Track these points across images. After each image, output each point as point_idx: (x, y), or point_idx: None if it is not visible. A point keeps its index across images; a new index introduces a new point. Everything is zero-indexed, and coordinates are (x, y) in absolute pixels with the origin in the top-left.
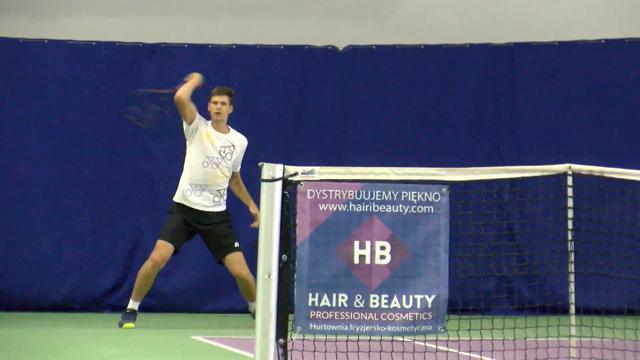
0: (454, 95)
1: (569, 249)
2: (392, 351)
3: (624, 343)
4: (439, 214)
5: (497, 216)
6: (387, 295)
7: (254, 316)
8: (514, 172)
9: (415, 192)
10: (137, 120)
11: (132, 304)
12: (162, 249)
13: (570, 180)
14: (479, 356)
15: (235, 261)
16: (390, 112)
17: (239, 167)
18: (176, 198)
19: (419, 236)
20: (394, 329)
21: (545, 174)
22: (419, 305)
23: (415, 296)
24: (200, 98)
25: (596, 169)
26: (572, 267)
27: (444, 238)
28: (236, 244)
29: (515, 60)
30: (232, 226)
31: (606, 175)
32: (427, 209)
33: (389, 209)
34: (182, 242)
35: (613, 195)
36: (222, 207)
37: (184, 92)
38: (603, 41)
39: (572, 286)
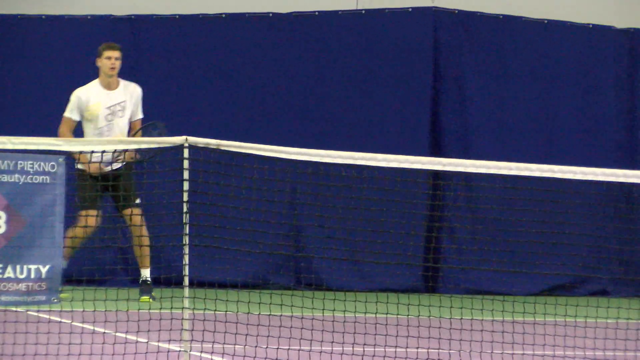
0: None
1: (184, 221)
2: (4, 321)
3: (237, 316)
4: (55, 185)
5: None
6: (1, 265)
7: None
8: (132, 144)
9: (32, 162)
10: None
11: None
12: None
13: (186, 153)
14: (92, 327)
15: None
16: None
17: (138, 116)
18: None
19: (36, 206)
20: (7, 299)
21: (162, 145)
22: (33, 276)
23: (30, 266)
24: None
25: (212, 142)
26: (187, 240)
27: (59, 208)
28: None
29: (140, 36)
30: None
31: (222, 147)
32: (43, 179)
33: (5, 179)
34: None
35: (230, 168)
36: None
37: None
38: (224, 15)
39: (186, 258)
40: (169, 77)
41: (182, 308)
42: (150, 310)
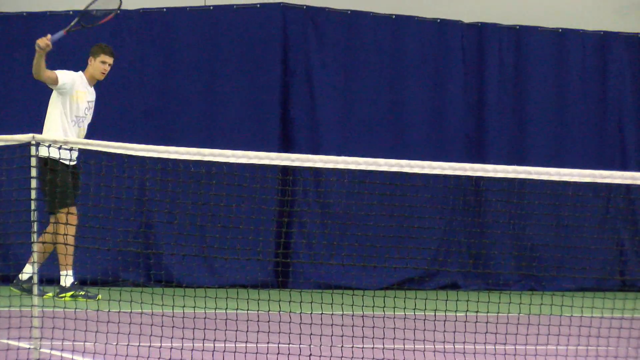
0: None
1: (33, 219)
2: None
3: (86, 313)
4: None
5: None
6: None
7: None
8: None
9: None
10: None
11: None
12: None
13: (34, 150)
14: None
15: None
16: None
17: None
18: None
19: None
20: None
21: (9, 143)
22: None
23: None
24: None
25: (60, 139)
26: (35, 238)
27: None
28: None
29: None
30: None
31: (70, 145)
32: None
33: None
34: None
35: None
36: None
37: (35, 71)
38: (70, 12)
39: (35, 256)
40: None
41: (32, 306)
42: (0, 309)
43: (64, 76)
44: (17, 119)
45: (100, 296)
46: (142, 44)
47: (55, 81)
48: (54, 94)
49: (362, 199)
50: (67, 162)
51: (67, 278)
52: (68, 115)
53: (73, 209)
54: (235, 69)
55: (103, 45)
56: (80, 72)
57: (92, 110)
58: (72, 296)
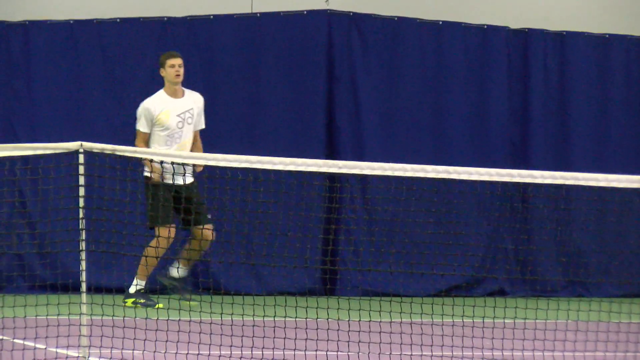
0: None
1: (81, 227)
2: None
3: (135, 321)
4: None
5: (9, 194)
6: None
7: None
8: (26, 150)
9: None
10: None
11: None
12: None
13: (82, 158)
14: None
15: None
16: None
17: (201, 126)
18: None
19: None
20: None
21: (57, 151)
22: None
23: None
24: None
25: (108, 147)
26: (83, 245)
27: None
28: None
29: (29, 39)
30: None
31: (118, 153)
32: None
33: None
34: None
35: (125, 173)
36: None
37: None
38: (118, 20)
39: (83, 264)
40: (61, 82)
41: (80, 314)
42: (48, 317)
43: (142, 125)
44: (63, 127)
45: (160, 304)
46: (188, 51)
47: (147, 138)
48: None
49: (408, 206)
50: (167, 182)
51: (135, 286)
52: (160, 141)
53: (164, 231)
54: (280, 75)
55: (165, 53)
56: (158, 92)
57: (194, 118)
58: (133, 303)
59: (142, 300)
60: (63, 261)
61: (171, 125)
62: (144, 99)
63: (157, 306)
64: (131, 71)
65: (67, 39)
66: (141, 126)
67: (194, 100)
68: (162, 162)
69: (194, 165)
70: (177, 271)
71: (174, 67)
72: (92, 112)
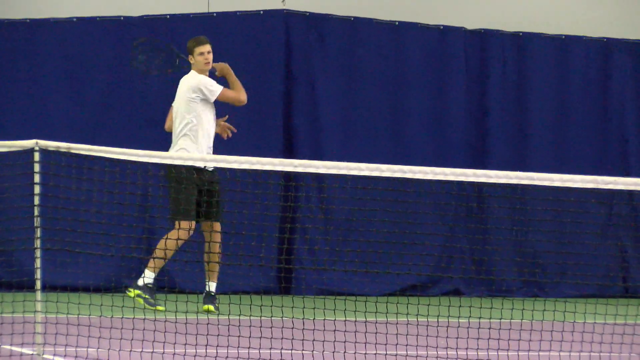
0: None
1: (36, 224)
2: None
3: (89, 319)
4: None
5: None
6: None
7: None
8: None
9: None
10: (144, 68)
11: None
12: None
13: (37, 156)
14: None
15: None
16: None
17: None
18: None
19: None
20: None
21: (12, 149)
22: None
23: None
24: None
25: (63, 145)
26: (38, 243)
27: None
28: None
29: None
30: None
31: (73, 151)
32: None
33: None
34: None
35: (81, 172)
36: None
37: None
38: (75, 19)
39: (38, 262)
40: (18, 81)
41: (35, 312)
42: (3, 315)
43: (215, 85)
44: (20, 125)
45: (162, 307)
46: None
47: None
48: (194, 104)
49: (364, 205)
50: (198, 167)
51: (144, 279)
52: (209, 119)
53: (185, 223)
54: (237, 75)
55: (194, 39)
56: (191, 73)
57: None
58: (137, 295)
59: (146, 296)
60: (18, 259)
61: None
62: (102, 98)
63: (156, 308)
64: (89, 70)
65: (24, 38)
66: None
67: None
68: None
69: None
70: (142, 280)
71: (202, 55)
72: (50, 111)
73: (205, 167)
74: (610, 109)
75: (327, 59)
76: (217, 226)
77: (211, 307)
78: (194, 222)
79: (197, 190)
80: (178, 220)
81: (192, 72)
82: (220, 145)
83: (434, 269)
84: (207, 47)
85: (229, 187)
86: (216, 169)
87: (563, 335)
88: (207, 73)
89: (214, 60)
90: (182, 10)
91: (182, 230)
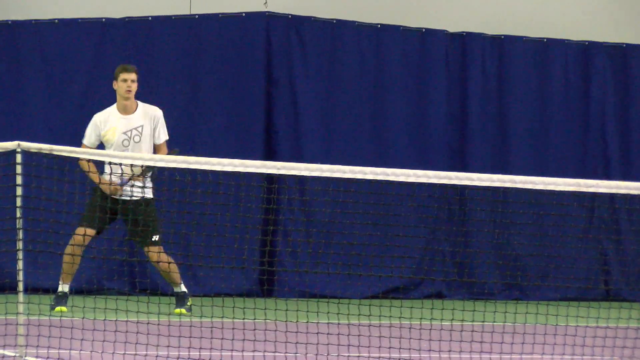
0: None
1: (18, 226)
2: None
3: (72, 322)
4: None
5: None
6: None
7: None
8: None
9: None
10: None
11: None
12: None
13: (19, 158)
14: None
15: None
16: None
17: (162, 139)
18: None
19: None
20: None
21: None
22: None
23: None
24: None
25: (45, 147)
26: (20, 245)
27: None
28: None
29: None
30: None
31: (55, 153)
32: None
33: None
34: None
35: (62, 173)
36: (146, 194)
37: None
38: (56, 21)
39: (20, 264)
40: (0, 83)
41: (17, 313)
42: None
43: (88, 138)
44: (1, 127)
45: (64, 308)
46: (126, 52)
47: (90, 148)
48: None
49: (346, 208)
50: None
51: (61, 286)
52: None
53: (80, 229)
54: (219, 77)
55: (121, 65)
56: (111, 106)
57: (142, 135)
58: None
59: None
60: (0, 261)
61: (116, 143)
62: (83, 99)
63: (56, 309)
64: (70, 72)
65: (5, 39)
66: (86, 139)
67: (148, 116)
68: (110, 175)
69: (143, 183)
70: (61, 287)
71: (125, 82)
72: (31, 112)
73: (120, 195)
74: (591, 112)
75: (308, 61)
76: (153, 249)
77: (183, 311)
78: (90, 230)
79: (109, 205)
80: (83, 226)
81: (114, 106)
82: (201, 148)
83: (416, 272)
84: (132, 76)
85: (211, 189)
86: (143, 199)
87: (545, 338)
88: (129, 102)
89: (197, 63)
90: (163, 12)
91: (77, 235)
